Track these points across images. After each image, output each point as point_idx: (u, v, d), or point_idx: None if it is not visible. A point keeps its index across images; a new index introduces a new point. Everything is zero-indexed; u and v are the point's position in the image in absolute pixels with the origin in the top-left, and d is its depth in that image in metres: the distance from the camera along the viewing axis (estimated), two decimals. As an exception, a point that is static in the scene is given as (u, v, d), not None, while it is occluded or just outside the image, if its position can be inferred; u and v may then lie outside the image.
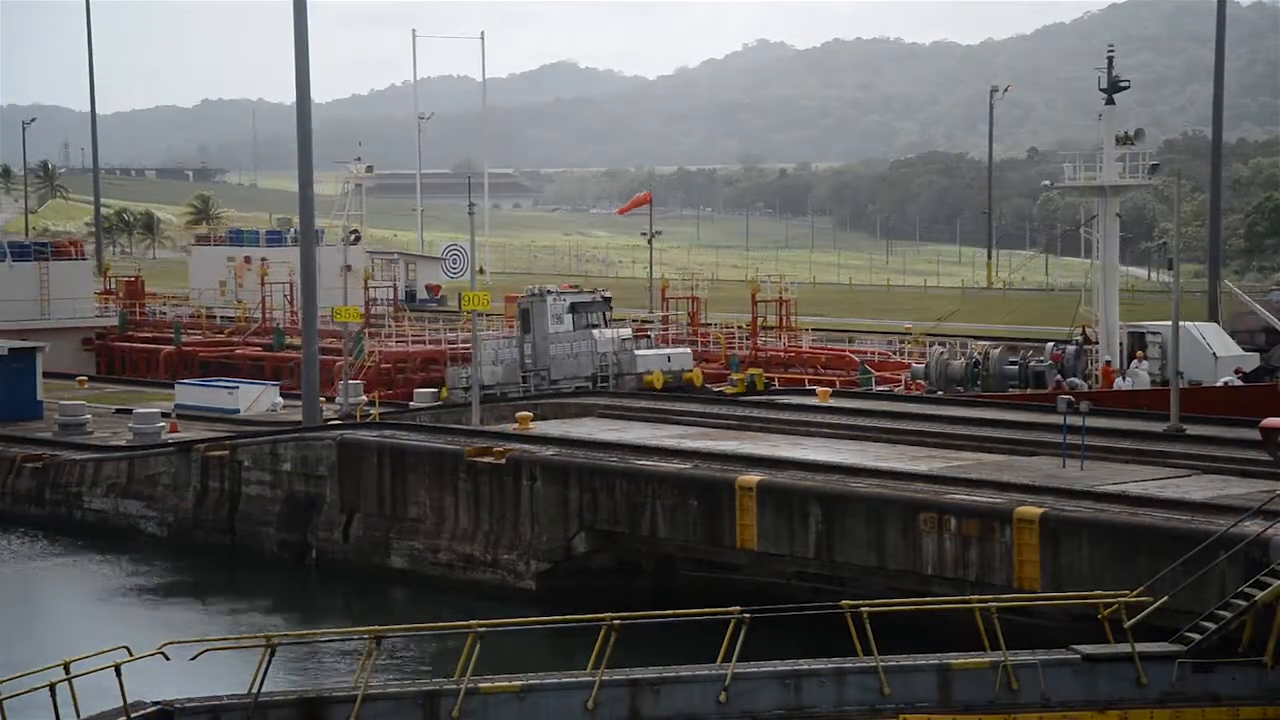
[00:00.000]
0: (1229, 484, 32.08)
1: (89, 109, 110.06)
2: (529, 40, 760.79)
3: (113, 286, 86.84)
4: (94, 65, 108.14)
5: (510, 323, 61.80)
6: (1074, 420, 34.80)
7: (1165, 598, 25.04)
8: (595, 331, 51.98)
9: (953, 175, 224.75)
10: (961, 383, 49.21)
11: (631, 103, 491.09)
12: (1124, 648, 24.19)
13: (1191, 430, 37.92)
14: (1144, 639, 24.54)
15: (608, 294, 54.47)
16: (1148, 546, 27.42)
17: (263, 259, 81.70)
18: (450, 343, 63.45)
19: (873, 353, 59.89)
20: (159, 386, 61.40)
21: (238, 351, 69.28)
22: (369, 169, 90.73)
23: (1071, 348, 49.87)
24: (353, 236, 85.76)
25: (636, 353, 51.84)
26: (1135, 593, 25.10)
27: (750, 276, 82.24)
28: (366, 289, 75.36)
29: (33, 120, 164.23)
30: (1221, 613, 24.61)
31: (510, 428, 41.82)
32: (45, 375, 56.91)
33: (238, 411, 51.67)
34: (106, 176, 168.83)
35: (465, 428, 41.95)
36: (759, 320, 64.22)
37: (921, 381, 49.93)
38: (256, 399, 52.79)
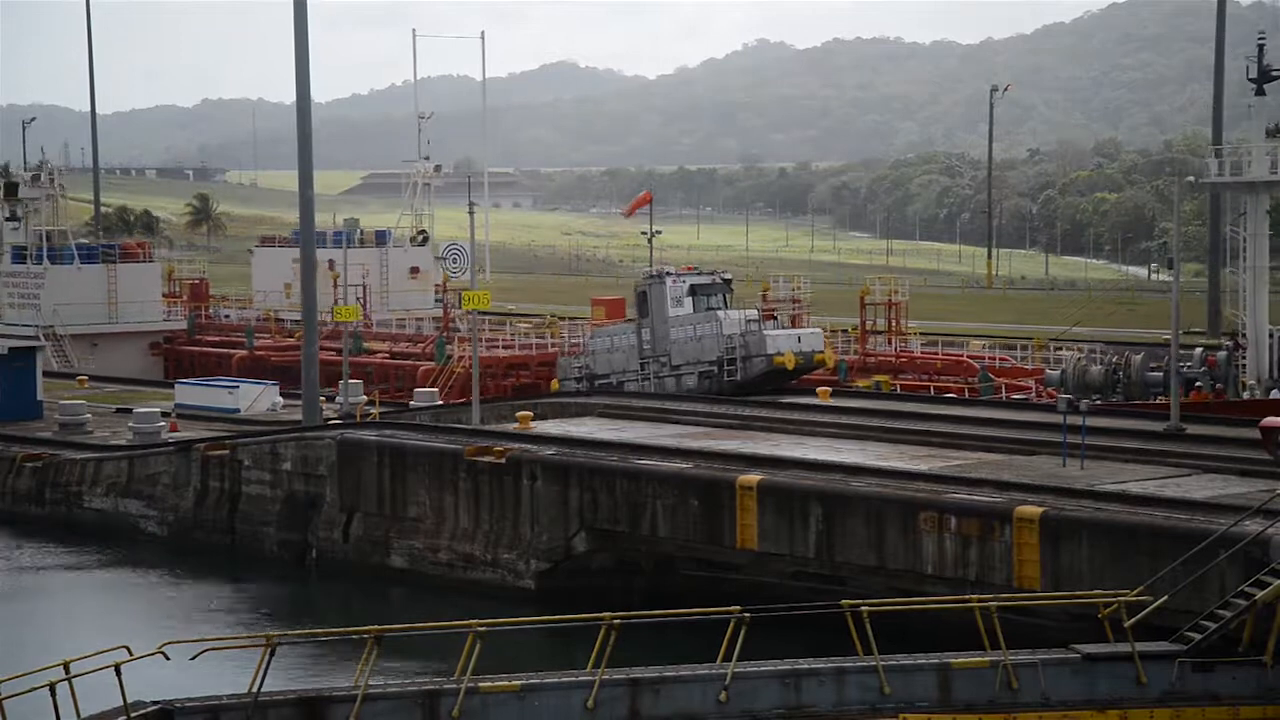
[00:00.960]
0: (1229, 483, 32.08)
1: (89, 108, 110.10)
2: (529, 40, 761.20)
3: (176, 289, 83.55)
4: (94, 65, 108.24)
5: (603, 321, 60.54)
6: (1073, 419, 34.80)
7: (1165, 597, 25.04)
8: (720, 313, 49.29)
9: (952, 175, 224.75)
10: (1100, 390, 46.09)
11: (631, 102, 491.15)
12: (1124, 647, 24.19)
13: (1191, 430, 37.92)
14: (1144, 638, 24.55)
15: (727, 275, 51.84)
16: (1148, 546, 27.41)
17: (329, 260, 77.07)
18: (538, 346, 61.50)
19: (991, 358, 56.77)
20: (160, 386, 61.32)
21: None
22: (437, 168, 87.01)
23: (1222, 353, 46.88)
24: (421, 237, 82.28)
25: (766, 333, 48.82)
26: (1135, 592, 25.11)
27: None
28: (445, 291, 71.13)
29: (33, 120, 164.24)
30: (1221, 612, 24.61)
31: (510, 427, 41.82)
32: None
33: (238, 411, 51.67)
34: (106, 176, 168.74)
35: (465, 427, 41.94)
36: (867, 324, 60.82)
37: (1055, 389, 46.26)
38: (256, 399, 52.79)
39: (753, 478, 33.11)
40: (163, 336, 73.96)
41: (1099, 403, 42.42)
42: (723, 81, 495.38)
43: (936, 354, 58.59)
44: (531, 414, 42.85)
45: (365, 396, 50.55)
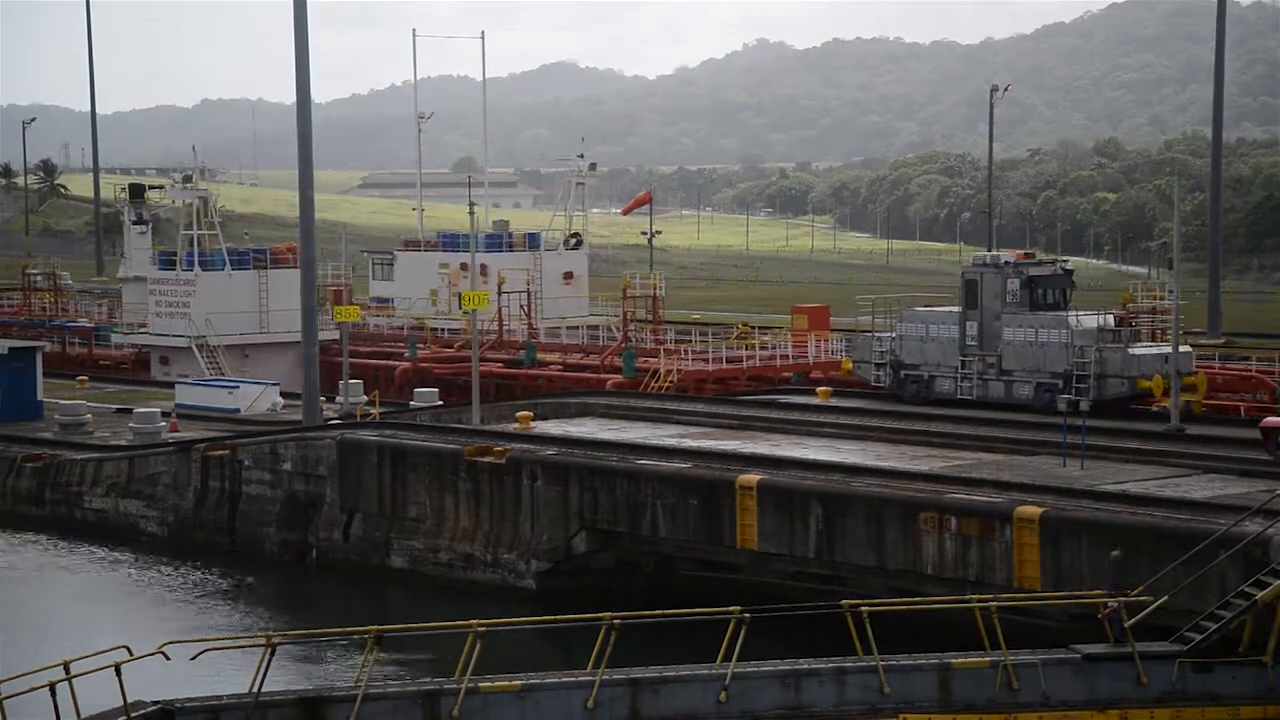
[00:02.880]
0: (1229, 483, 32.08)
1: (89, 109, 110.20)
2: (529, 40, 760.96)
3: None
4: (94, 65, 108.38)
5: (805, 330, 57.33)
6: (1074, 420, 34.80)
7: (1165, 597, 25.03)
8: (1071, 316, 41.97)
9: (952, 175, 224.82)
10: None
11: (631, 102, 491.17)
12: (1124, 647, 24.19)
13: (1191, 430, 37.92)
14: (1144, 638, 24.55)
15: (1069, 265, 44.67)
16: (1148, 546, 27.42)
17: (482, 265, 71.46)
18: (745, 358, 55.84)
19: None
20: (161, 386, 61.19)
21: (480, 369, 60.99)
22: (592, 166, 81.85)
23: None
24: (574, 240, 76.72)
25: (1132, 350, 41.12)
26: (1135, 592, 25.10)
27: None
28: (625, 297, 64.71)
29: (33, 120, 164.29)
30: (1221, 612, 24.61)
31: (510, 427, 41.82)
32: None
33: (238, 411, 51.66)
34: (106, 176, 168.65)
35: (465, 427, 41.94)
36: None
37: None
38: (256, 399, 52.79)
39: (753, 478, 33.12)
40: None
41: None
42: (723, 81, 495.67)
43: (1213, 368, 48.79)
44: (531, 414, 42.85)
45: (365, 397, 50.49)
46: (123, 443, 47.26)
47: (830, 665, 23.75)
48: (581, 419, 44.48)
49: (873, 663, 23.50)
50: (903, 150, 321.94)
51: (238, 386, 54.09)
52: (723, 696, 23.17)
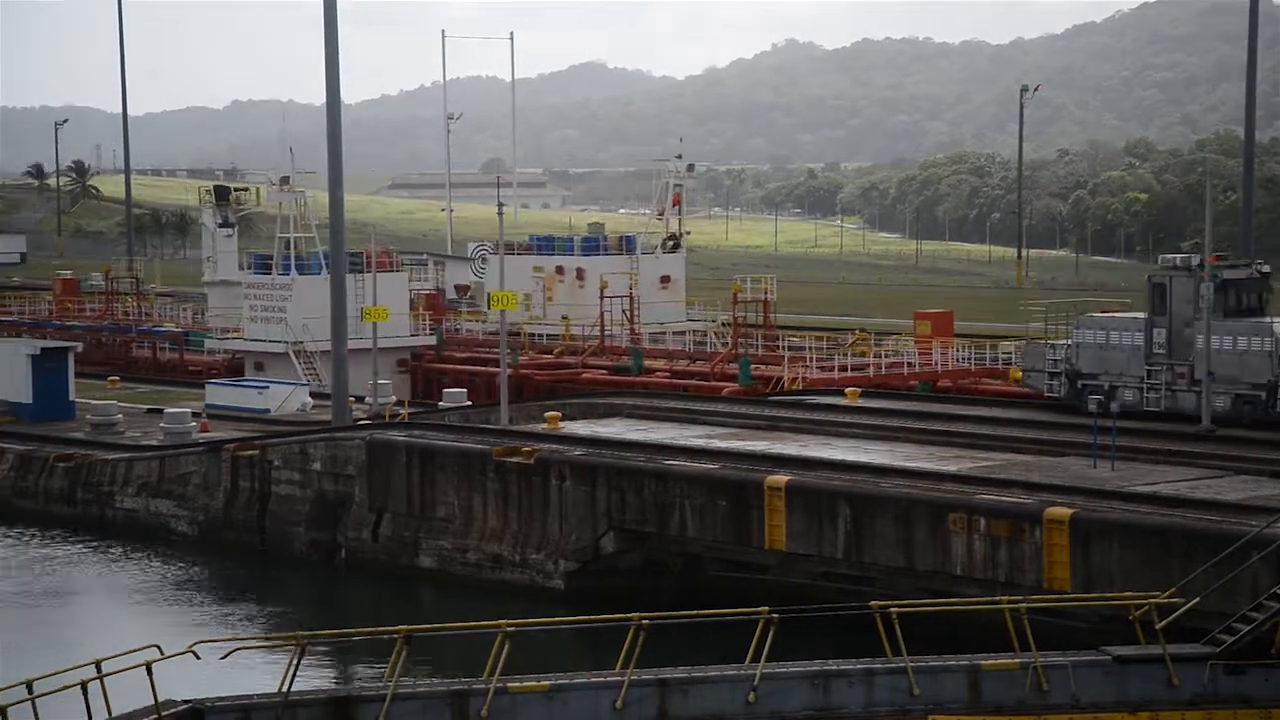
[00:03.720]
0: (1261, 485, 31.90)
1: (121, 110, 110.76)
2: (558, 40, 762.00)
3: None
4: (125, 67, 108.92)
5: (929, 337, 54.96)
6: (1104, 421, 34.63)
7: (1197, 599, 24.90)
8: (1277, 323, 39.37)
9: (982, 175, 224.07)
10: None
11: (660, 102, 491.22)
12: (1155, 649, 24.07)
13: (1223, 431, 37.69)
14: (1175, 640, 24.42)
15: (1265, 268, 41.76)
16: (1179, 548, 27.28)
17: (578, 269, 70.97)
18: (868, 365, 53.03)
19: None
20: (191, 387, 61.41)
21: (584, 376, 59.31)
22: (690, 167, 78.97)
23: None
24: (671, 243, 73.89)
25: None
26: (1167, 594, 24.97)
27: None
28: (735, 302, 62.24)
29: (65, 121, 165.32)
30: (1253, 614, 24.47)
31: (539, 427, 41.86)
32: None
33: (268, 411, 51.86)
34: (138, 177, 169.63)
35: (494, 427, 42.00)
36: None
37: None
38: (286, 399, 52.99)
39: (781, 478, 33.07)
40: (410, 352, 65.74)
41: None
42: (752, 81, 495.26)
43: None
44: (560, 414, 42.89)
45: (394, 397, 50.58)
46: (153, 443, 47.48)
47: (859, 666, 23.71)
48: (609, 419, 44.48)
49: (902, 664, 23.44)
50: (932, 150, 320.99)
51: (268, 387, 54.31)
52: (751, 697, 23.14)
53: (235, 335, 67.67)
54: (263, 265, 66.37)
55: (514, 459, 37.50)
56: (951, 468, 34.23)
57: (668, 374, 58.71)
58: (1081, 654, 24.45)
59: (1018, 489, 31.03)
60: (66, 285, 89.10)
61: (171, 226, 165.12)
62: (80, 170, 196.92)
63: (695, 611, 24.64)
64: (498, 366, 59.79)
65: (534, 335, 67.28)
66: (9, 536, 45.38)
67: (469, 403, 50.56)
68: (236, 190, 79.26)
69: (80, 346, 60.72)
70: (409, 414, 46.61)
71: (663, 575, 36.11)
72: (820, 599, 30.48)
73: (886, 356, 55.07)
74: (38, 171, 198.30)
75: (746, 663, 23.28)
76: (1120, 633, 25.20)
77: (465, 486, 38.53)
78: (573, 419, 43.74)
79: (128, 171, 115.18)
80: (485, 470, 38.02)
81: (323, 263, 63.71)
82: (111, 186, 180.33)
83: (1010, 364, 42.81)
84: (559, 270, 71.76)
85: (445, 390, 53.11)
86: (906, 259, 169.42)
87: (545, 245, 75.05)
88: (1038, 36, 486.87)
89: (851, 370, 53.41)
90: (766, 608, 23.36)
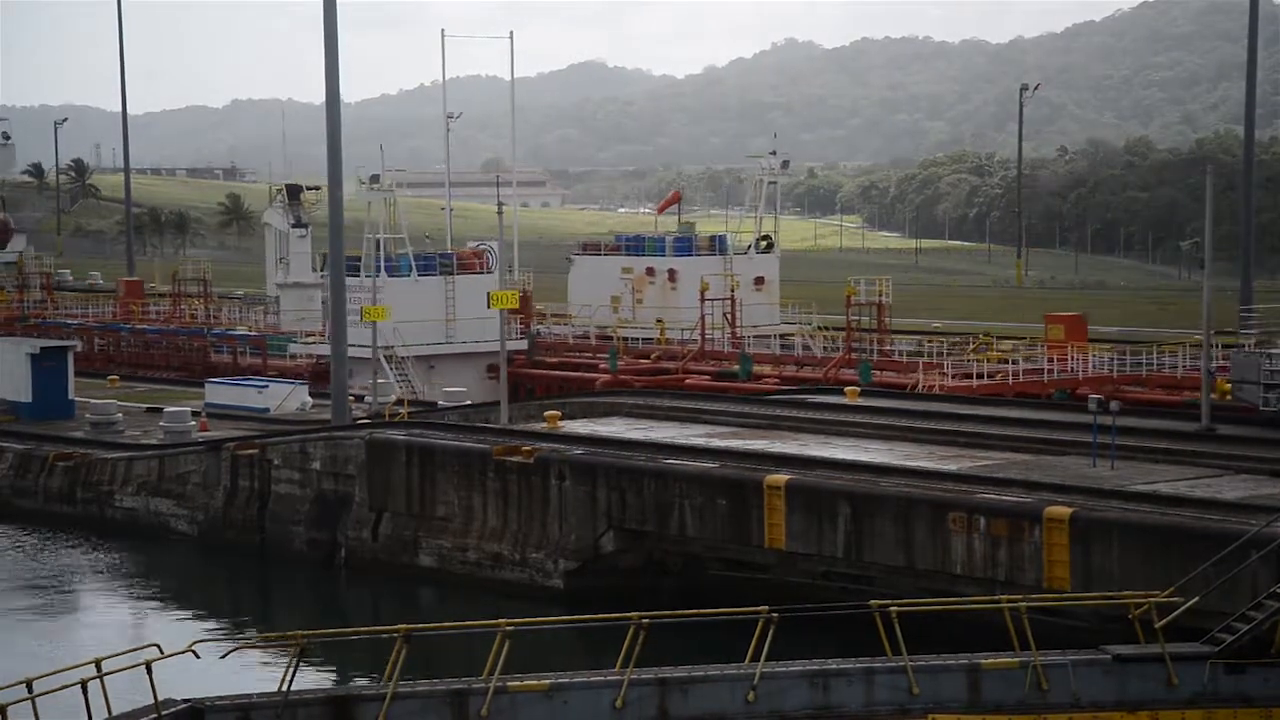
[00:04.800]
0: (1261, 484, 31.91)
1: (120, 109, 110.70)
2: (558, 40, 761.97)
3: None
4: (125, 66, 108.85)
5: (1061, 341, 51.91)
6: (1104, 419, 34.64)
7: (1196, 598, 24.90)
8: None
9: (982, 174, 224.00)
10: None
11: (660, 102, 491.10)
12: (1155, 648, 24.07)
13: (1222, 430, 37.69)
14: (1175, 639, 24.42)
15: None
16: (1179, 547, 27.28)
17: (670, 270, 68.53)
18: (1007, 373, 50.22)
19: None
20: (190, 385, 61.40)
21: (688, 381, 56.68)
22: (785, 165, 75.43)
23: None
24: (765, 243, 71.52)
25: None
26: (1166, 593, 24.97)
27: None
28: (850, 305, 58.87)
29: (64, 120, 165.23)
30: (1253, 613, 24.46)
31: (538, 427, 41.86)
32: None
33: (268, 410, 51.88)
34: (137, 177, 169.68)
35: (494, 427, 42.01)
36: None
37: None
38: (286, 398, 53.00)
39: (781, 477, 33.07)
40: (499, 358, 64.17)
41: None
42: (751, 81, 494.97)
43: None
44: (560, 413, 42.88)
45: (395, 395, 50.58)
46: (153, 442, 47.50)
47: (859, 665, 23.70)
48: (609, 418, 44.48)
49: (901, 663, 23.43)
50: (932, 149, 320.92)
51: (267, 385, 54.32)
52: (751, 696, 23.14)
53: (322, 339, 62.83)
54: (350, 267, 62.58)
55: (514, 458, 37.49)
56: (951, 467, 34.24)
57: (776, 379, 55.67)
58: (1081, 653, 24.44)
59: (1017, 488, 31.04)
60: (131, 287, 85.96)
61: (171, 226, 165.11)
62: (80, 169, 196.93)
63: (695, 611, 24.63)
64: (592, 371, 60.23)
65: (626, 339, 64.95)
66: (9, 536, 45.38)
67: (469, 402, 50.58)
68: (308, 189, 76.24)
69: (78, 345, 60.57)
70: (409, 413, 46.62)
71: (662, 575, 36.12)
72: (820, 598, 30.49)
73: (1018, 364, 52.03)
74: (37, 171, 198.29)
75: (746, 662, 23.28)
76: (1120, 632, 25.20)
77: (465, 486, 38.53)
78: (572, 418, 43.73)
79: (127, 171, 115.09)
80: (485, 469, 38.02)
81: (412, 264, 62.57)
82: (110, 185, 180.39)
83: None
84: (649, 271, 69.77)
85: (445, 389, 52.99)
86: (906, 258, 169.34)
87: (635, 246, 72.72)
88: (1037, 35, 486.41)
89: (989, 378, 50.89)
90: (766, 607, 23.35)
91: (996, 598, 24.89)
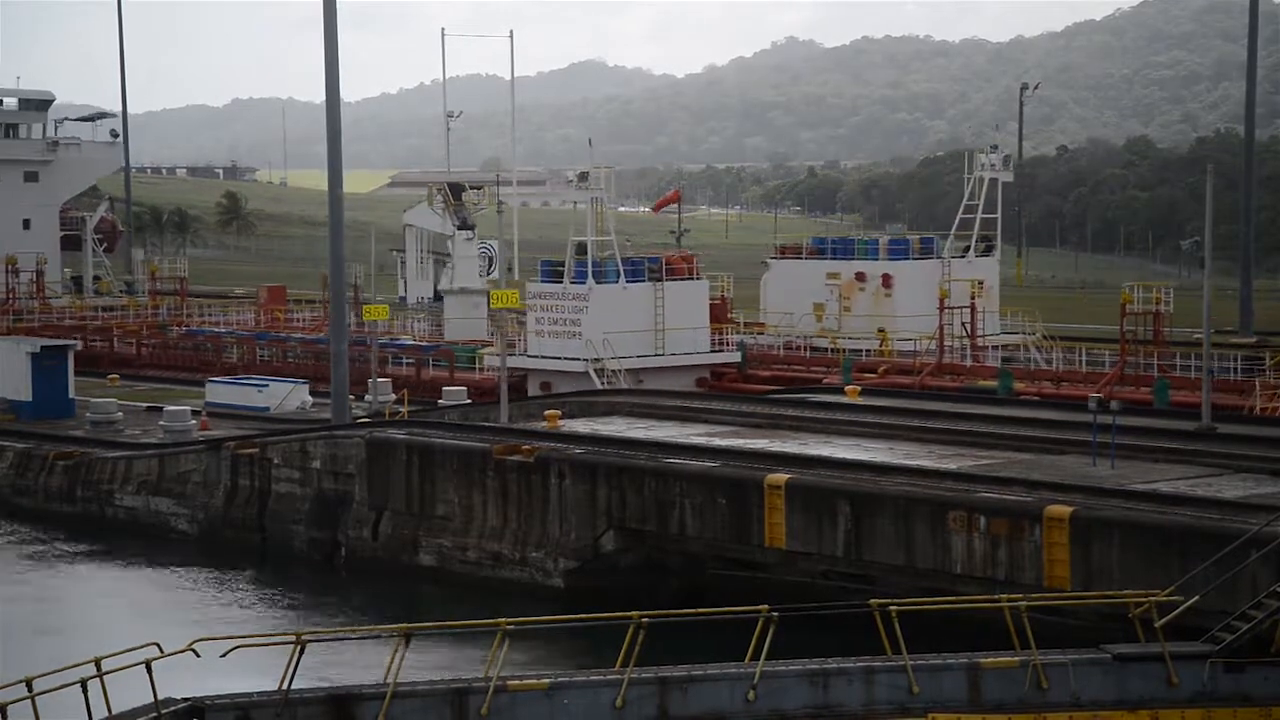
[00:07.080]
0: (1261, 483, 31.91)
1: (120, 108, 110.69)
2: (558, 39, 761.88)
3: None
4: (125, 65, 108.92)
5: None
6: (1104, 419, 34.64)
7: (1196, 597, 24.90)
8: None
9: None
10: None
11: (660, 101, 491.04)
12: (1155, 647, 24.07)
13: (1222, 429, 37.71)
14: (1175, 638, 24.42)
15: None
16: (1179, 546, 27.28)
17: (884, 275, 63.54)
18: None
19: None
20: (190, 384, 61.28)
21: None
22: (1006, 160, 70.93)
23: None
24: (984, 245, 65.82)
25: None
26: (1166, 592, 24.97)
27: None
28: (1124, 314, 53.04)
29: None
30: (1253, 612, 24.46)
31: (539, 426, 41.85)
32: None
33: (268, 409, 51.88)
34: (137, 175, 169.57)
35: (494, 425, 42.01)
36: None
37: None
38: (286, 397, 53.00)
39: (781, 477, 33.07)
40: (709, 371, 59.09)
41: None
42: (751, 80, 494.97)
43: None
44: (560, 412, 42.87)
45: (395, 395, 50.53)
46: (153, 441, 47.50)
47: (859, 664, 23.70)
48: (609, 417, 44.48)
49: (901, 662, 23.44)
50: (932, 148, 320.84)
51: (267, 385, 54.33)
52: (751, 695, 23.14)
53: (506, 350, 53.88)
54: (552, 273, 59.60)
55: (514, 457, 37.49)
56: (951, 466, 34.24)
57: (1036, 396, 49.86)
58: (1081, 652, 24.44)
59: (1017, 487, 31.03)
60: (273, 293, 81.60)
61: (172, 225, 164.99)
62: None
63: (695, 610, 24.64)
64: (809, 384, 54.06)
65: (831, 350, 60.34)
66: (9, 535, 45.39)
67: (469, 401, 50.56)
68: (471, 188, 72.90)
69: (78, 344, 60.49)
70: (408, 412, 46.62)
71: (663, 574, 36.10)
72: (820, 597, 30.49)
73: None
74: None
75: (746, 661, 23.28)
76: (1120, 631, 25.20)
77: (465, 485, 38.53)
78: (572, 417, 43.73)
79: (127, 171, 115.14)
80: (485, 469, 38.02)
81: (619, 269, 58.23)
82: (110, 185, 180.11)
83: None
84: (859, 276, 64.34)
85: (445, 389, 52.81)
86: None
87: (843, 249, 67.06)
88: (1037, 34, 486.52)
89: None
90: (766, 606, 23.36)
91: (996, 597, 24.89)
